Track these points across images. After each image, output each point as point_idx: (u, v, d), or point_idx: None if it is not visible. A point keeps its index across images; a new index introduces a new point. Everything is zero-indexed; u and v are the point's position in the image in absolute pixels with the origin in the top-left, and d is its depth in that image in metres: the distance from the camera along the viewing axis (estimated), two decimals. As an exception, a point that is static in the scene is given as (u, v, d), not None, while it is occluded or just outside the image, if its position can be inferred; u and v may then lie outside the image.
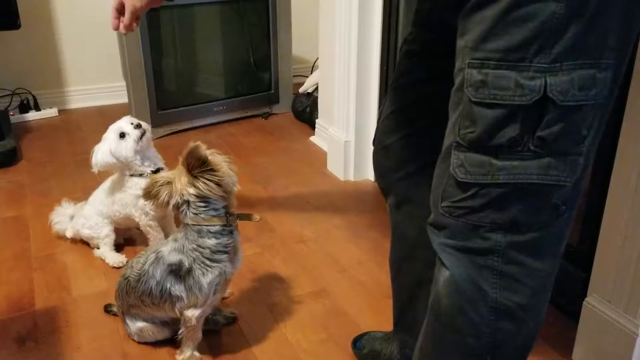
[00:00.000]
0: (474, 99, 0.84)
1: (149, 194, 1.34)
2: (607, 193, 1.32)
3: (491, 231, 0.90)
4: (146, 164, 1.84)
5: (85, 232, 1.93)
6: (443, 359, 1.04)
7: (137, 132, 1.79)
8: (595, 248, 1.37)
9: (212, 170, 1.30)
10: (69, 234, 1.98)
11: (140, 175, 1.83)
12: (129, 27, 1.44)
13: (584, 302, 1.41)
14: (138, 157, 1.82)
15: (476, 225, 0.91)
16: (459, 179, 0.89)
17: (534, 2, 0.76)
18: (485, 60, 0.81)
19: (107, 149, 1.80)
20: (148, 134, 1.83)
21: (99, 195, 1.93)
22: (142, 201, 1.81)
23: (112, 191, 1.89)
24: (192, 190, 1.31)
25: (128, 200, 1.85)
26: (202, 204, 1.33)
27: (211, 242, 1.35)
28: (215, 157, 1.34)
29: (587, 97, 0.81)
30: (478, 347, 0.97)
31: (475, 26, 0.82)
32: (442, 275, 0.97)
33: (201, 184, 1.30)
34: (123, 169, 1.84)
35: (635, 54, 1.24)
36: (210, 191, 1.31)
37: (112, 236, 1.91)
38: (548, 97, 0.79)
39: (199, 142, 1.31)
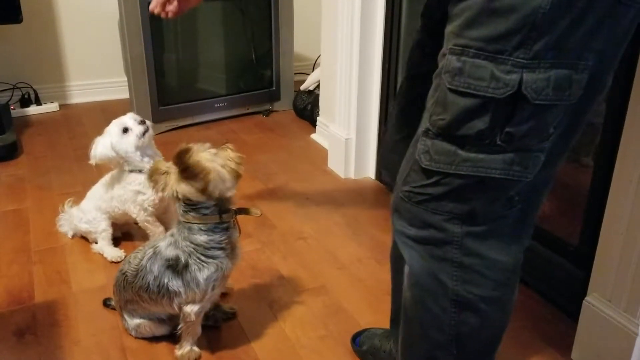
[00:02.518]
0: (449, 86, 0.84)
1: (150, 177, 1.34)
2: (608, 193, 1.32)
3: (447, 221, 0.91)
4: (145, 159, 1.83)
5: (83, 227, 1.93)
6: (412, 352, 1.05)
7: (140, 128, 1.79)
8: (596, 247, 1.37)
9: (197, 177, 1.28)
10: (69, 234, 1.99)
11: (140, 171, 1.82)
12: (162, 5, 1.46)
13: (583, 302, 1.41)
14: (138, 153, 1.81)
15: (433, 213, 0.91)
16: (423, 165, 0.89)
17: None
18: (466, 48, 0.81)
19: (108, 142, 1.79)
20: (151, 132, 1.83)
21: (98, 190, 1.92)
22: (141, 197, 1.82)
23: (111, 187, 1.88)
24: (179, 189, 1.30)
25: (127, 196, 1.84)
26: (190, 204, 1.32)
27: (202, 238, 1.34)
28: (212, 161, 1.30)
29: (560, 98, 0.80)
30: (442, 340, 0.98)
31: (462, 12, 0.81)
32: (405, 269, 0.99)
33: (185, 186, 1.29)
34: (122, 163, 1.83)
35: (637, 55, 1.24)
36: (192, 196, 1.30)
37: (110, 230, 1.91)
38: (522, 93, 0.79)
39: (190, 146, 1.29)
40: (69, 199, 2.04)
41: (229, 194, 1.34)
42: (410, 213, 0.94)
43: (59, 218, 2.02)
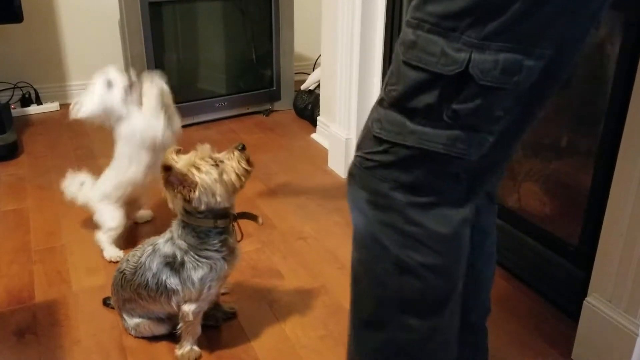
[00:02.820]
0: (402, 58, 0.85)
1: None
2: (609, 193, 1.32)
3: (393, 189, 0.92)
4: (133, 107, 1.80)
5: (96, 205, 1.88)
6: (359, 309, 1.07)
7: (125, 80, 1.75)
8: (596, 248, 1.37)
9: (180, 190, 1.27)
10: (80, 202, 1.92)
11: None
12: None
13: (584, 302, 1.41)
14: (124, 107, 1.77)
15: (380, 180, 0.93)
16: (374, 133, 0.91)
17: None
18: (422, 22, 0.82)
19: (95, 98, 1.74)
20: (139, 86, 1.78)
21: (112, 168, 1.88)
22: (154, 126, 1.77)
23: (119, 151, 1.83)
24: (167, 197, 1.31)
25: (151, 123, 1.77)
26: (185, 207, 1.31)
27: (194, 240, 1.34)
28: (205, 173, 1.28)
29: (507, 82, 0.80)
30: (386, 300, 1.00)
31: None
32: (353, 232, 1.02)
33: (169, 196, 1.29)
34: (106, 119, 1.78)
35: (638, 55, 1.24)
36: (176, 206, 1.29)
37: (118, 230, 1.87)
38: (468, 72, 0.79)
39: (172, 163, 1.26)
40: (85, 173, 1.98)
41: (221, 206, 1.32)
42: (361, 178, 0.97)
43: (69, 179, 1.94)
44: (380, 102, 0.91)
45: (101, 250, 1.88)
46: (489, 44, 0.78)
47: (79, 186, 1.94)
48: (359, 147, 0.97)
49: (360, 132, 0.99)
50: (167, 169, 1.25)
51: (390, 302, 1.00)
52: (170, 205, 1.33)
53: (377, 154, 0.92)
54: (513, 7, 0.76)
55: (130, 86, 1.77)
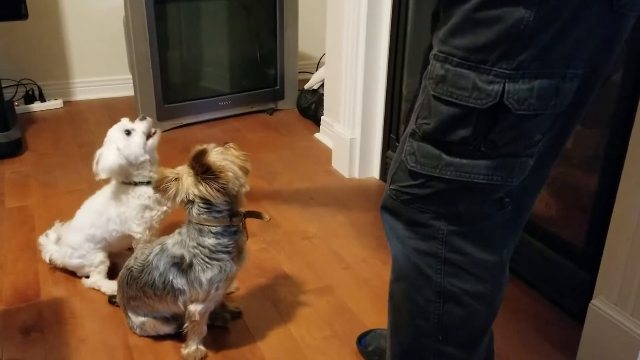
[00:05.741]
0: (433, 93, 0.84)
1: (158, 187, 1.34)
2: (616, 195, 1.32)
3: (433, 219, 0.92)
4: (153, 168, 1.67)
5: (75, 262, 1.71)
6: (399, 340, 1.07)
7: (143, 125, 1.65)
8: (602, 250, 1.37)
9: (216, 177, 1.29)
10: (57, 262, 1.75)
11: (148, 182, 1.65)
12: None
13: (589, 305, 1.41)
14: (148, 157, 1.65)
15: (419, 211, 0.92)
16: (409, 167, 0.91)
17: (503, 5, 0.75)
18: (449, 56, 0.81)
19: (115, 150, 1.61)
20: (159, 132, 1.69)
21: (88, 218, 1.70)
22: (148, 213, 1.67)
23: (107, 208, 1.68)
24: (196, 191, 1.30)
25: (130, 213, 1.66)
26: (205, 206, 1.32)
27: (211, 241, 1.35)
28: (224, 159, 1.31)
29: (545, 107, 0.80)
30: (427, 329, 1.00)
31: (448, 19, 0.82)
32: (392, 262, 1.01)
33: (203, 188, 1.30)
34: (130, 174, 1.65)
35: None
36: (212, 196, 1.30)
37: (107, 263, 1.72)
38: (503, 104, 0.78)
39: (205, 147, 1.30)
40: (57, 222, 1.85)
41: (244, 189, 1.35)
42: (398, 210, 0.96)
43: (41, 243, 1.80)
44: (412, 134, 0.90)
45: (97, 289, 1.72)
46: (522, 73, 0.77)
47: (53, 243, 1.79)
48: (392, 180, 0.96)
49: (391, 164, 0.98)
50: (200, 155, 1.29)
51: (431, 331, 0.99)
52: (208, 194, 1.32)
53: (413, 187, 0.91)
54: (544, 35, 0.75)
55: (151, 134, 1.67)
